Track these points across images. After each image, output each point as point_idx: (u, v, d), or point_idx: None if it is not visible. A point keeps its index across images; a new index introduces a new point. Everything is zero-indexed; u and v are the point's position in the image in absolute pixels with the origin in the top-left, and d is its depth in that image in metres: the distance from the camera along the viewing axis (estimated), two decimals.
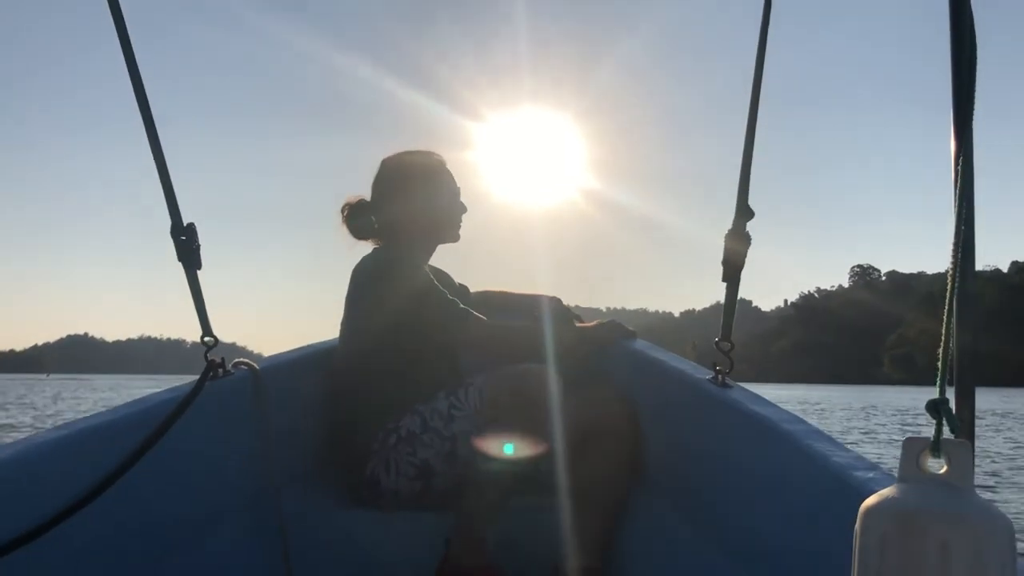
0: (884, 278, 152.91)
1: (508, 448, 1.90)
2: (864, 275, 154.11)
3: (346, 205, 2.27)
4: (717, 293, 1.79)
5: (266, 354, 2.31)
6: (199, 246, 1.66)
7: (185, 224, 1.64)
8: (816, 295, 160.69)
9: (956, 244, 0.74)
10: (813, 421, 1.55)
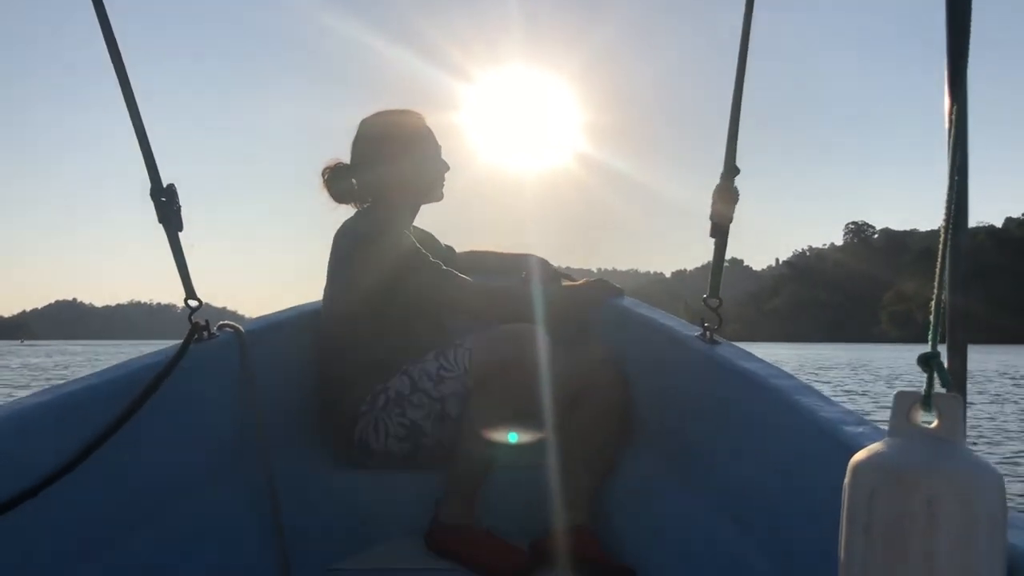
0: (877, 235, 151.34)
1: (512, 437, 1.92)
2: (859, 232, 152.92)
3: (326, 169, 2.23)
4: (708, 253, 1.78)
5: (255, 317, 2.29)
6: (180, 207, 1.63)
7: (165, 185, 1.61)
8: (809, 253, 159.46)
9: (949, 198, 0.72)
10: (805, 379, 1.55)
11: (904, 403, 0.71)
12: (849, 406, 1.32)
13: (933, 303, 0.71)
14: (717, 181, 1.68)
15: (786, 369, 1.54)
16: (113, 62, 1.54)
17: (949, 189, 0.71)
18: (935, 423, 0.69)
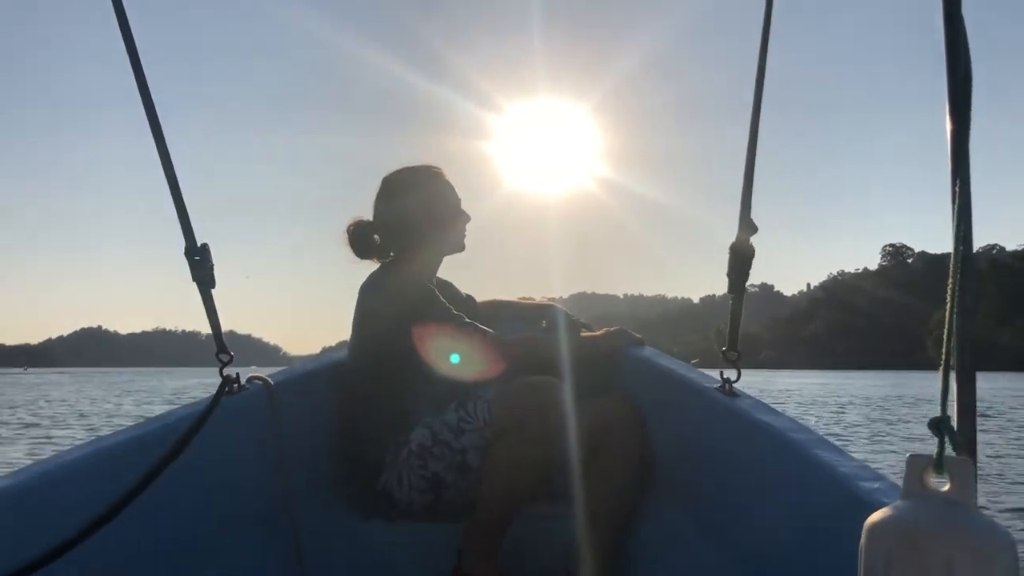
0: (912, 259, 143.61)
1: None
2: (897, 254, 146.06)
3: (349, 227, 2.28)
4: None
5: (283, 347, 2.32)
6: (212, 266, 1.68)
7: (199, 244, 1.66)
8: (842, 277, 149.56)
9: (954, 267, 0.74)
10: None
11: (916, 466, 0.73)
12: (864, 461, 1.33)
13: (941, 369, 0.73)
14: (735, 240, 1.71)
15: (806, 424, 1.56)
16: (153, 132, 1.59)
17: (953, 261, 0.72)
18: (947, 486, 0.71)
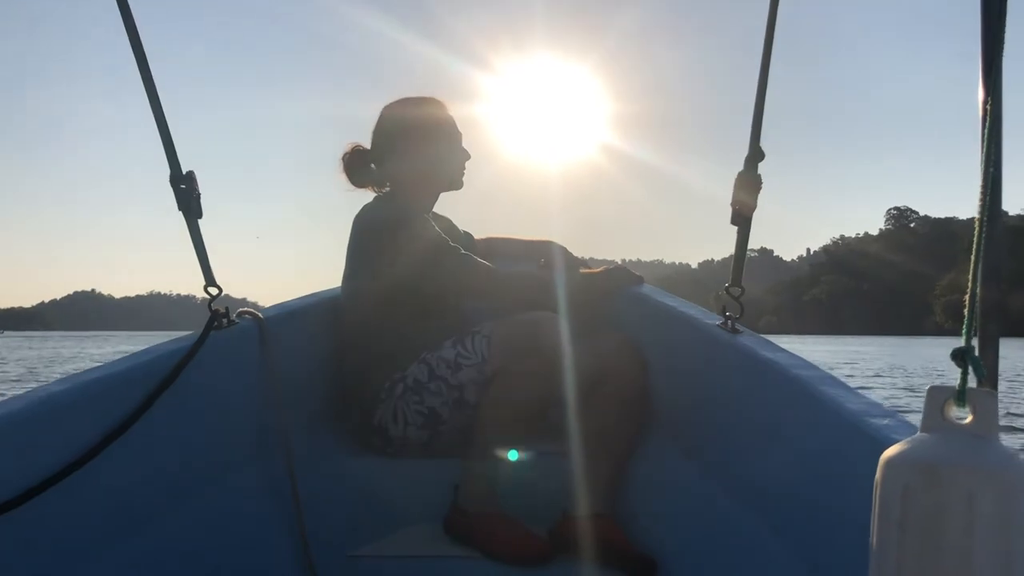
0: (914, 223, 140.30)
1: (513, 455, 1.93)
2: (902, 218, 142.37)
3: (346, 153, 2.23)
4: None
5: None
6: (199, 194, 1.64)
7: (184, 172, 1.62)
8: (841, 243, 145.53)
9: (984, 190, 0.71)
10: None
11: (937, 398, 0.70)
12: (875, 398, 1.29)
13: (967, 297, 0.70)
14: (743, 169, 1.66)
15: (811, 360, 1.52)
16: (134, 50, 1.54)
17: (984, 182, 0.70)
18: (968, 419, 0.68)
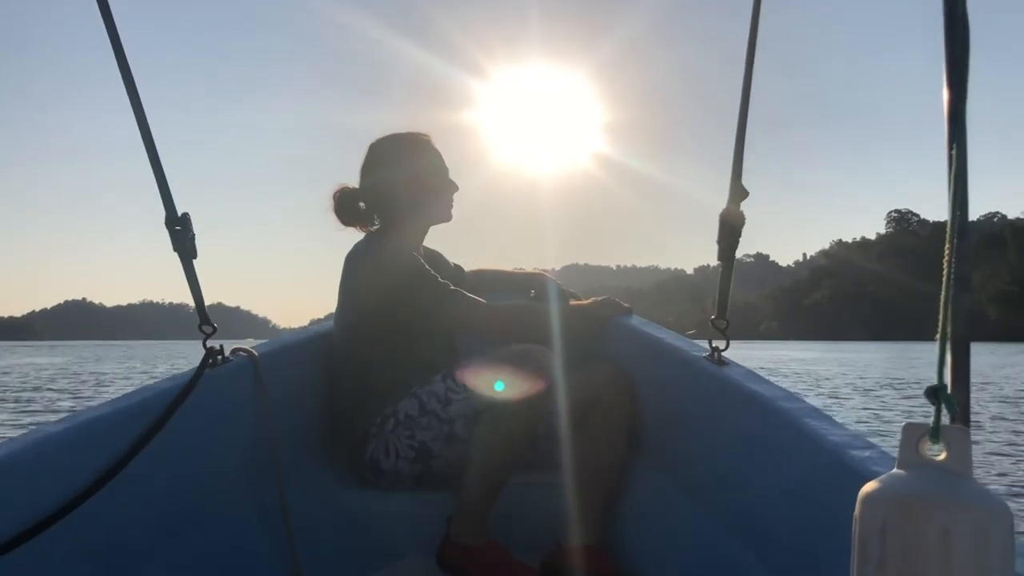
0: (913, 225, 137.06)
1: (499, 385, 1.89)
2: (903, 220, 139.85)
3: (335, 193, 2.26)
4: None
5: (272, 319, 2.32)
6: (194, 235, 1.65)
7: (180, 214, 1.63)
8: (841, 246, 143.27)
9: (952, 228, 0.73)
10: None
11: (912, 435, 0.72)
12: (856, 430, 1.32)
13: (938, 336, 0.72)
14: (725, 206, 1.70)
15: (798, 390, 1.54)
16: (132, 103, 1.56)
17: (951, 229, 0.72)
18: (943, 455, 0.70)
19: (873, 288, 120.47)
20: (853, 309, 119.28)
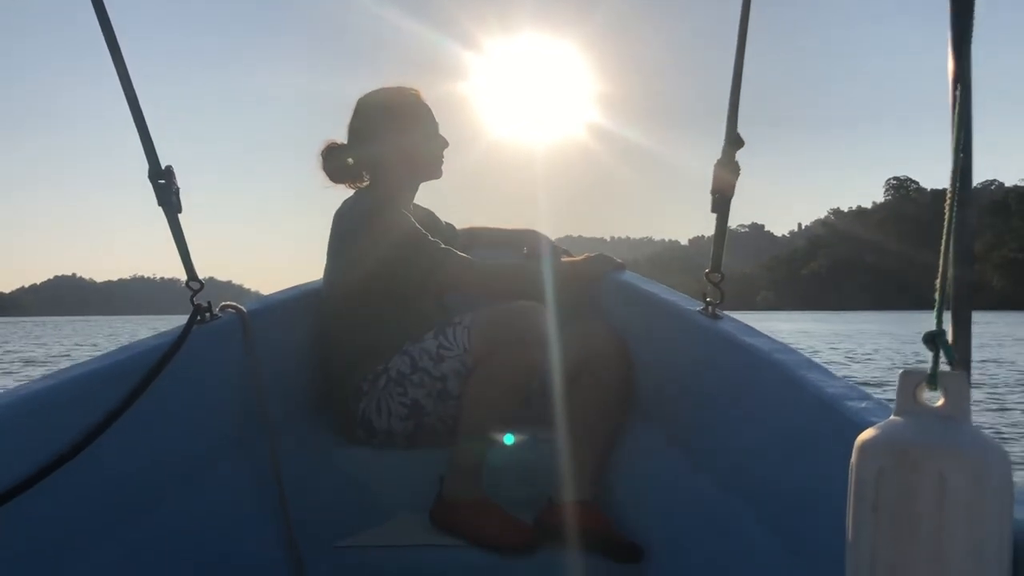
0: (914, 193, 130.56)
1: (508, 439, 1.94)
2: (901, 188, 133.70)
3: (322, 149, 2.22)
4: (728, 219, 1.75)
5: (263, 291, 2.31)
6: (178, 189, 1.62)
7: (163, 167, 1.60)
8: (838, 215, 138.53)
9: (954, 171, 0.72)
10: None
11: (910, 382, 0.71)
12: (852, 381, 1.31)
13: (939, 280, 0.71)
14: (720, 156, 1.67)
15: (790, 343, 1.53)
16: (109, 47, 1.51)
17: (954, 161, 0.71)
18: (941, 401, 0.69)
19: (873, 257, 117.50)
20: (852, 278, 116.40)
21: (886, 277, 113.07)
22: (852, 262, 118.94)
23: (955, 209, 0.70)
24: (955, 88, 0.80)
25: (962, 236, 0.82)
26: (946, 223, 0.70)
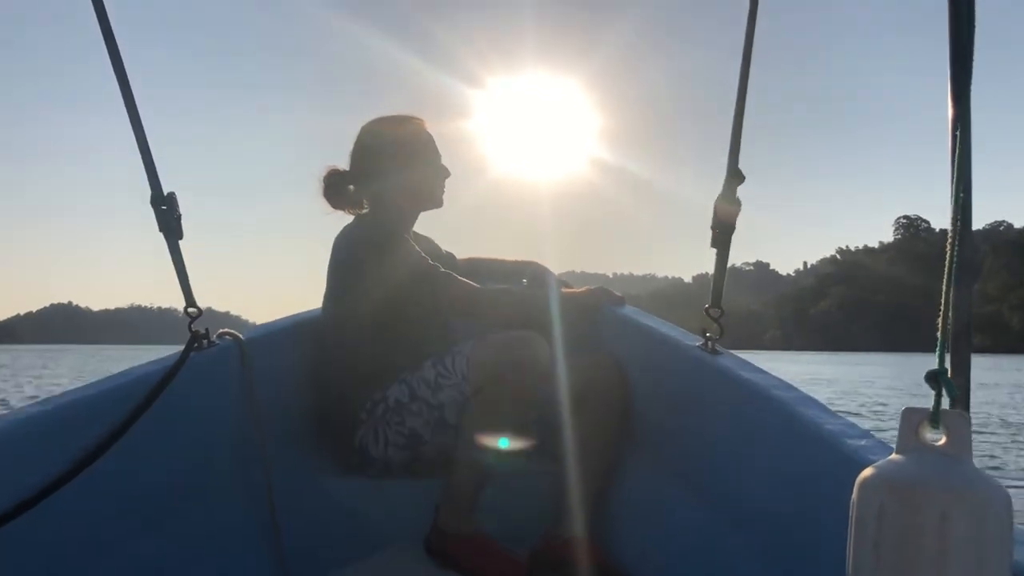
0: (924, 232, 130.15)
1: (503, 443, 1.90)
2: (912, 226, 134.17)
3: (324, 175, 2.23)
4: (732, 258, 1.77)
5: (261, 322, 2.31)
6: (180, 215, 1.64)
7: (166, 193, 1.61)
8: (847, 253, 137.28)
9: (954, 213, 0.73)
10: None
11: (912, 420, 0.71)
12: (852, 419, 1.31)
13: (940, 320, 0.72)
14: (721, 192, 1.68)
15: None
16: (115, 69, 1.54)
17: (954, 206, 0.72)
18: (943, 440, 0.70)
19: (884, 296, 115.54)
20: (864, 318, 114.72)
21: (898, 317, 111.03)
22: (863, 301, 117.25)
23: (955, 251, 0.71)
24: (955, 130, 0.82)
25: (962, 277, 0.83)
26: (947, 267, 0.71)
